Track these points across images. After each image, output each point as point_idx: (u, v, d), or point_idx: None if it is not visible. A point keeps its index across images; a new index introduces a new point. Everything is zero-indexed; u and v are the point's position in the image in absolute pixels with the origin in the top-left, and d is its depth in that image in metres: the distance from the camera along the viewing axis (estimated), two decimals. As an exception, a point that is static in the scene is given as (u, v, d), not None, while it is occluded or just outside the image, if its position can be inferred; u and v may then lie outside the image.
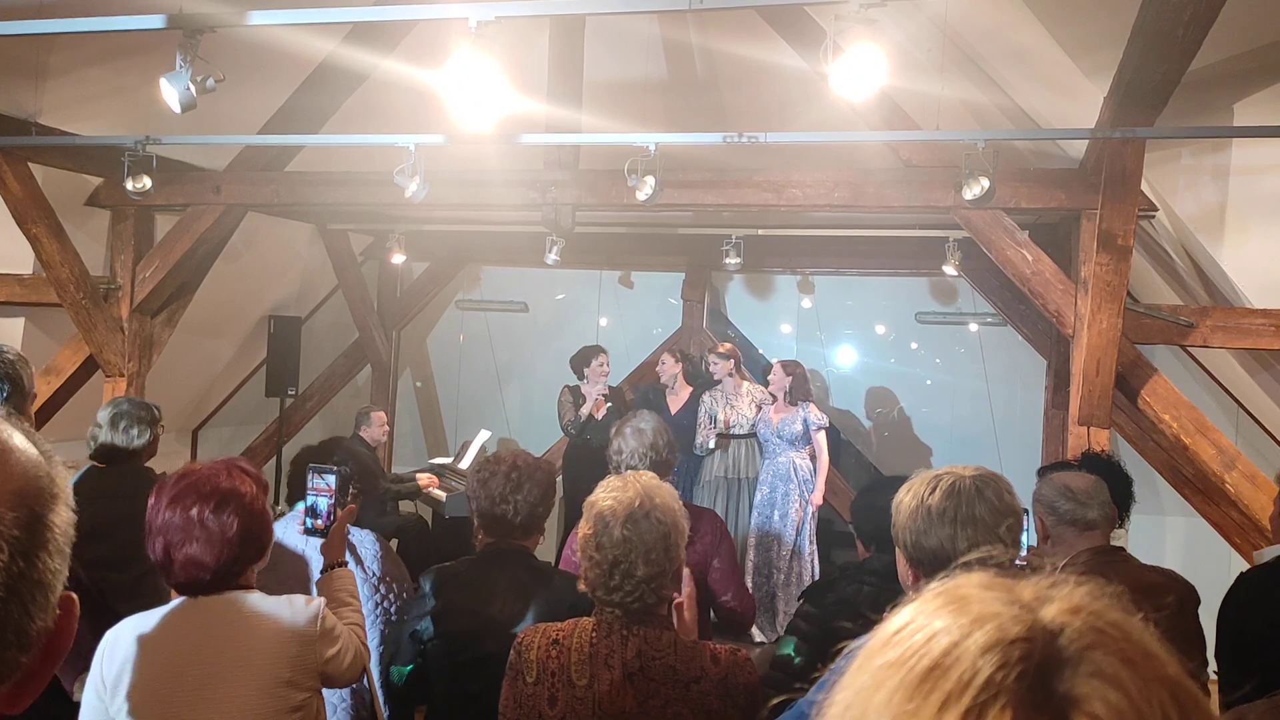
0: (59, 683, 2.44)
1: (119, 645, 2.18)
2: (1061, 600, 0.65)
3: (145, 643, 2.17)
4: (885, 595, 2.61)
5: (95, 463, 3.98)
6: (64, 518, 0.75)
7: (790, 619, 2.96)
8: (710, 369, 6.98)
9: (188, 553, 2.15)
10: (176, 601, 2.22)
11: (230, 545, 2.15)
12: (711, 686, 2.07)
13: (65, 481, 0.77)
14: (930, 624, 0.65)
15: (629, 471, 2.27)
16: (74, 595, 0.77)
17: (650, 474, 2.27)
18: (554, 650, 2.13)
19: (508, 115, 3.57)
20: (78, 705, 2.37)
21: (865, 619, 2.64)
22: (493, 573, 2.73)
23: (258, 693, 2.13)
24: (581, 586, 2.19)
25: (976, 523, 1.89)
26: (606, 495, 2.17)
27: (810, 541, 6.48)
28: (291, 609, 2.23)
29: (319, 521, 2.85)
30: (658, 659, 2.08)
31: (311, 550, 2.91)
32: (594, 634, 2.13)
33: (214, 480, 2.22)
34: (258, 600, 2.22)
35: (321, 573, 2.74)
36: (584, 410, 6.84)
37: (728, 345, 7.16)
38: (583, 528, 2.18)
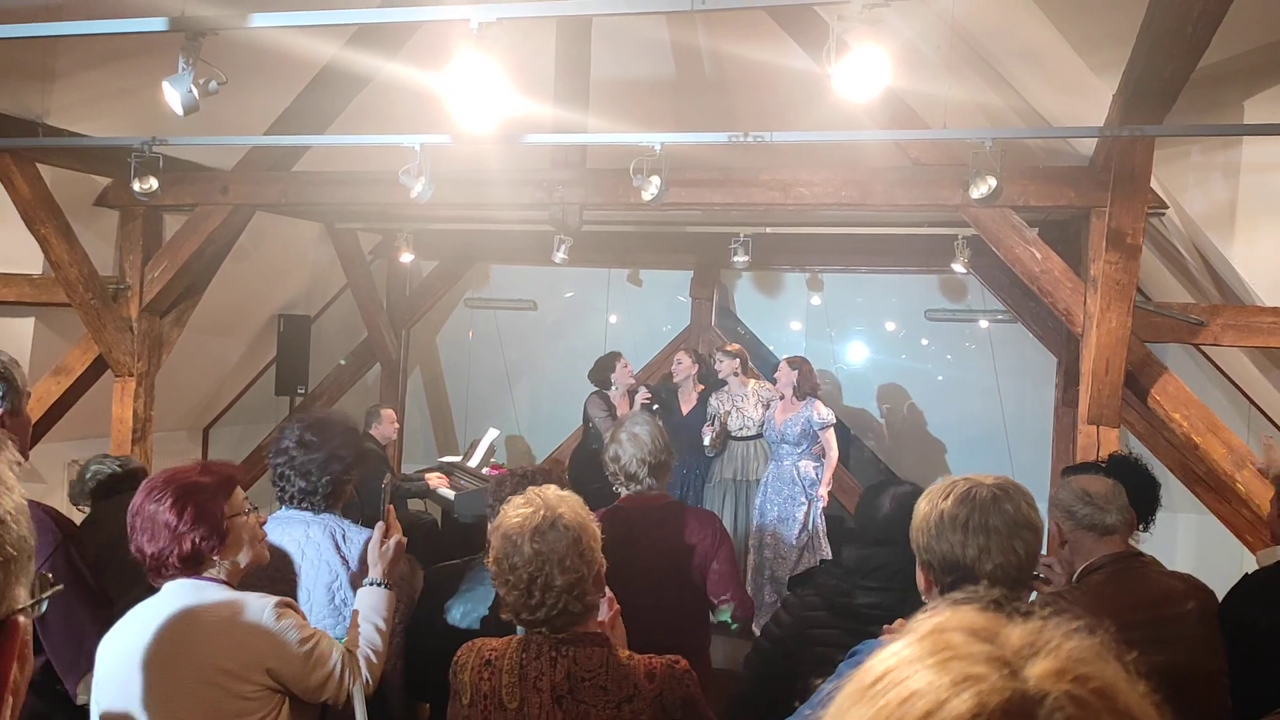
0: (63, 687, 2.46)
1: (104, 643, 2.25)
2: (1048, 658, 0.63)
3: (115, 632, 2.23)
4: (844, 586, 2.77)
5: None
6: None
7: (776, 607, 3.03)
8: (716, 367, 6.93)
9: (138, 544, 2.23)
10: (156, 594, 2.28)
11: (169, 530, 2.20)
12: (645, 705, 2.07)
13: (7, 501, 0.74)
14: (909, 679, 0.63)
15: (531, 488, 2.25)
16: (19, 620, 0.74)
17: (554, 487, 2.27)
18: (486, 671, 2.12)
19: (515, 115, 3.56)
20: (80, 709, 2.38)
21: (835, 611, 2.72)
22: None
23: (197, 680, 2.16)
24: (505, 615, 2.18)
25: (989, 531, 1.88)
26: (513, 514, 2.16)
27: (822, 538, 6.37)
28: (240, 601, 2.24)
29: None
30: (587, 680, 2.07)
31: (311, 549, 2.88)
32: (523, 655, 2.11)
33: (170, 475, 2.28)
34: (212, 590, 2.25)
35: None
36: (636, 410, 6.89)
37: (734, 345, 7.10)
38: (492, 553, 2.17)
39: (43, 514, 2.39)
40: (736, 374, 6.78)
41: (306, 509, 2.93)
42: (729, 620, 2.47)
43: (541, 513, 2.13)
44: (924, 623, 0.68)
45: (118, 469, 4.20)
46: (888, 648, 0.68)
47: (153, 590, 2.28)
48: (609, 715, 2.05)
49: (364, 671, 2.43)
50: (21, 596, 0.73)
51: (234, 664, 2.18)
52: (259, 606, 2.24)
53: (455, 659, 2.20)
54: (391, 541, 2.66)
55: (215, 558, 2.26)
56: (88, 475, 4.17)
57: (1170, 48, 3.51)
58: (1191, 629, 2.63)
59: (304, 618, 2.37)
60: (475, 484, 7.21)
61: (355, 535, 2.93)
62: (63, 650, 2.43)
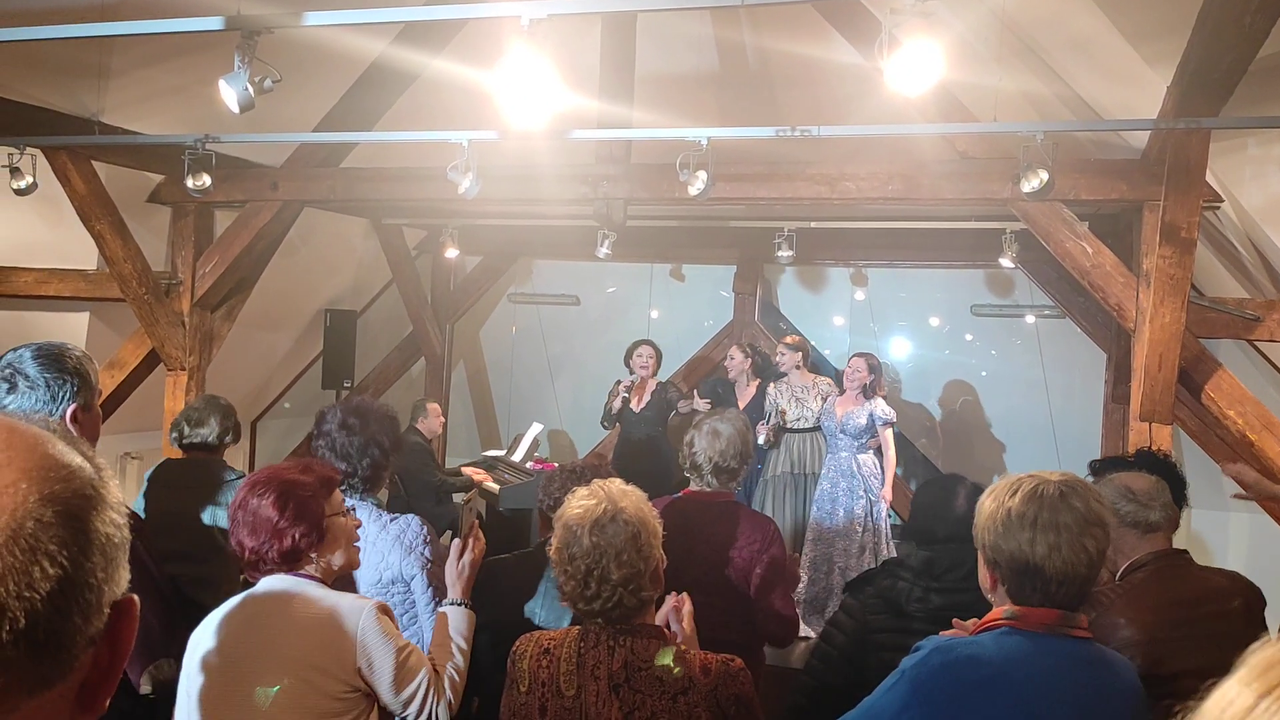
0: (126, 675, 2.51)
1: (197, 634, 2.27)
2: None
3: (209, 627, 2.25)
4: (918, 590, 2.67)
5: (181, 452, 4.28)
6: (109, 521, 0.75)
7: (834, 612, 2.95)
8: (777, 359, 6.89)
9: (239, 537, 2.26)
10: (253, 588, 2.30)
11: (270, 525, 2.22)
12: (700, 698, 2.08)
13: (113, 486, 0.78)
14: None
15: (597, 481, 2.26)
16: (134, 597, 0.77)
17: (619, 480, 2.27)
18: (544, 660, 2.16)
19: (560, 111, 3.56)
20: (143, 698, 2.43)
21: (899, 614, 2.63)
22: (543, 568, 2.75)
23: (286, 674, 2.16)
24: (563, 602, 2.21)
25: (1059, 529, 1.87)
26: (575, 505, 2.18)
27: (888, 540, 6.29)
28: (336, 599, 2.26)
29: None
30: (644, 670, 2.09)
31: (369, 547, 2.90)
32: (581, 644, 2.14)
33: (273, 472, 2.32)
34: (310, 588, 2.26)
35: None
36: (615, 404, 6.95)
37: (797, 337, 7.03)
38: (554, 542, 2.19)
39: None
40: (799, 367, 6.74)
41: (346, 492, 2.95)
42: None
43: (603, 506, 2.15)
44: (1264, 657, 0.66)
45: (190, 439, 4.24)
46: (1226, 683, 0.66)
47: (223, 579, 2.32)
48: (664, 706, 2.07)
49: (447, 692, 2.41)
50: (123, 580, 0.76)
51: (325, 661, 2.18)
52: (357, 607, 2.24)
53: (514, 648, 2.23)
54: (465, 559, 2.65)
55: (313, 555, 2.28)
56: (177, 428, 4.26)
57: (1228, 38, 3.45)
58: (1237, 626, 2.60)
59: (398, 626, 2.38)
60: (519, 478, 7.27)
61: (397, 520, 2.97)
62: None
